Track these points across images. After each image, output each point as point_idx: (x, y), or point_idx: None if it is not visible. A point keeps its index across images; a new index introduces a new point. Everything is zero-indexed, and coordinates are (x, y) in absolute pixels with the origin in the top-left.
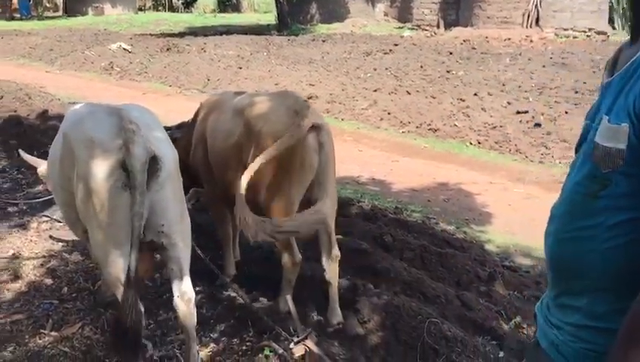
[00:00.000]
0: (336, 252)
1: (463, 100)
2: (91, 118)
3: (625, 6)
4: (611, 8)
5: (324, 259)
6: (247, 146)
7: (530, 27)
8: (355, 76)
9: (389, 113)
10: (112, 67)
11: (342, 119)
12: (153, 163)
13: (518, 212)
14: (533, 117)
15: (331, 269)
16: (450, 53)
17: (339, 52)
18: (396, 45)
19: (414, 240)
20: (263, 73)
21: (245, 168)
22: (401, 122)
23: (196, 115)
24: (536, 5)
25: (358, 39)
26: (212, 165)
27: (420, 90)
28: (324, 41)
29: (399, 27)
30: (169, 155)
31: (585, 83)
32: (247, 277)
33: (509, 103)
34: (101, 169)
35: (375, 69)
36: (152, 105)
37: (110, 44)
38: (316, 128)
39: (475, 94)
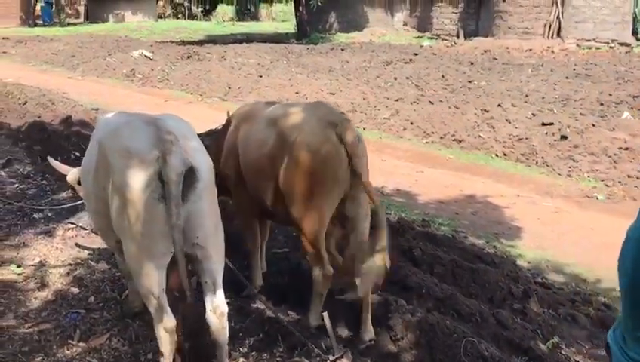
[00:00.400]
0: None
1: (487, 111)
2: (128, 128)
3: None
4: (635, 19)
5: (357, 276)
6: (279, 156)
7: (552, 38)
8: (376, 85)
9: (411, 123)
10: (133, 74)
11: (364, 128)
12: (190, 174)
13: (547, 226)
14: (559, 129)
15: (364, 284)
16: (472, 64)
17: (358, 61)
18: (416, 55)
19: (444, 254)
20: (284, 81)
21: (278, 178)
22: (424, 132)
23: (227, 124)
24: (557, 16)
25: (378, 48)
26: (244, 175)
27: (442, 100)
28: (343, 50)
29: (418, 37)
30: (206, 166)
31: (610, 95)
32: (274, 289)
33: (533, 115)
34: (137, 179)
35: (396, 78)
36: (175, 113)
37: (132, 51)
38: (352, 141)
39: (499, 105)
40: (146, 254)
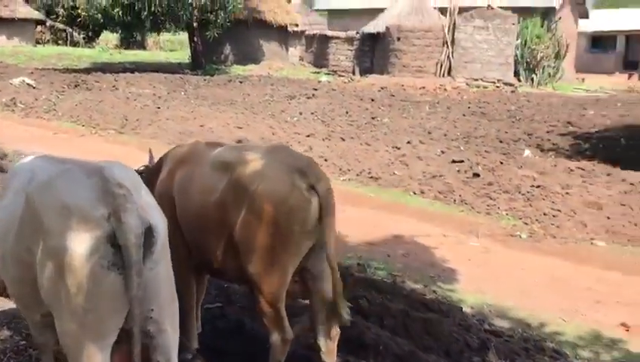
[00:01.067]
0: (337, 329)
1: (399, 148)
2: (65, 179)
3: (528, 60)
4: (516, 62)
5: (320, 337)
6: (234, 207)
7: (443, 76)
8: (282, 120)
9: (325, 160)
10: (14, 103)
11: None
12: (148, 235)
13: (480, 268)
14: (470, 166)
15: (330, 350)
16: (372, 100)
17: (259, 94)
18: (316, 90)
19: (391, 303)
20: (185, 114)
21: (231, 232)
22: (340, 169)
23: (158, 166)
24: (448, 56)
25: (277, 82)
26: (181, 225)
27: (353, 136)
28: (241, 82)
29: (316, 72)
30: (163, 225)
31: (506, 132)
32: (212, 353)
33: (442, 152)
34: (80, 243)
35: (301, 113)
36: (66, 147)
37: (11, 79)
38: (325, 192)
39: (409, 142)
40: (90, 333)
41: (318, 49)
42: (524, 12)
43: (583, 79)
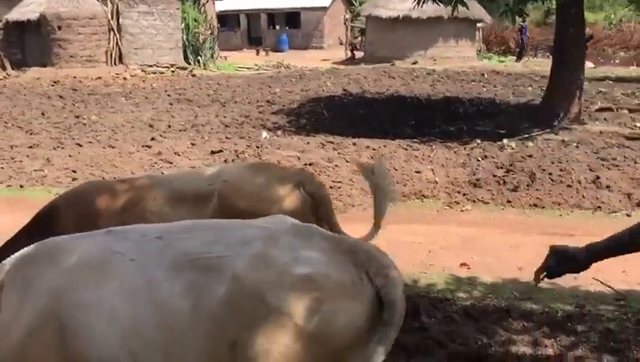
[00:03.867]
0: None
1: (149, 146)
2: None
3: (193, 43)
4: (185, 46)
5: None
6: None
7: (115, 65)
8: None
9: (74, 171)
10: None
11: (8, 186)
12: None
13: None
14: (237, 155)
15: None
16: (61, 97)
17: None
18: None
19: None
20: None
21: None
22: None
23: (51, 214)
24: (117, 43)
25: None
26: None
27: (81, 142)
28: None
29: None
30: None
31: (225, 117)
32: None
33: (192, 144)
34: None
35: None
36: None
37: None
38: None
39: (153, 139)
40: None
41: None
42: None
43: (226, 57)
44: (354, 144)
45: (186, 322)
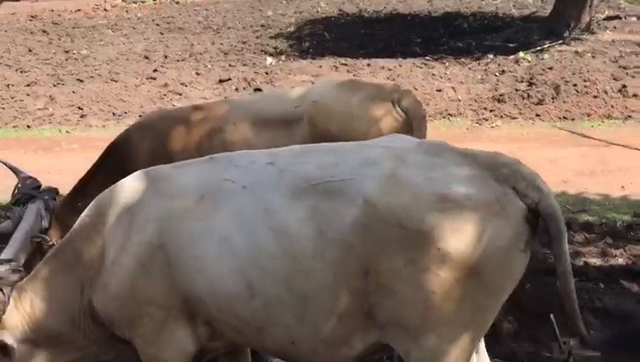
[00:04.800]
0: None
1: (154, 78)
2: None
3: None
4: None
5: None
6: None
7: None
8: None
9: (80, 108)
10: None
11: (15, 127)
12: None
13: None
14: (249, 83)
15: None
16: (45, 32)
17: None
18: None
19: None
20: None
21: None
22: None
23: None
24: None
25: None
26: None
27: (83, 77)
28: None
29: None
30: None
31: (222, 44)
32: None
33: (197, 74)
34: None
35: None
36: None
37: None
38: None
39: (155, 70)
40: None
41: None
42: None
43: None
44: (368, 65)
45: (311, 250)
